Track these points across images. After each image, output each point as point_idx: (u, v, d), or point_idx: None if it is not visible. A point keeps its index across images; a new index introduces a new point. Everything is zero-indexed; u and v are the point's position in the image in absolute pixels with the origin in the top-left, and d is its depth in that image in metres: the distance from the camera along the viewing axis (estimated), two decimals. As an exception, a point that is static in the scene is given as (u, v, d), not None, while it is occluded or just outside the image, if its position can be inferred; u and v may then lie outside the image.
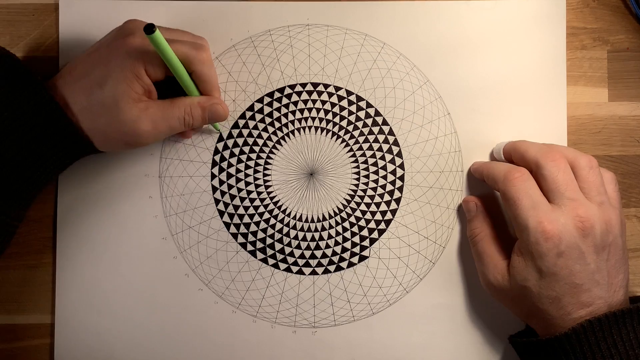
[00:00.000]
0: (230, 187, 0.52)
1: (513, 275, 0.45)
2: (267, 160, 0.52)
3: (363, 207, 0.52)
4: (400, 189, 0.52)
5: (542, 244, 0.43)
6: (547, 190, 0.45)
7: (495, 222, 0.50)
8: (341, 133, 0.52)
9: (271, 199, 0.52)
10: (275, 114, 0.52)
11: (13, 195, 0.44)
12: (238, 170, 0.52)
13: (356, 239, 0.52)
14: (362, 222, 0.52)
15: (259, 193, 0.52)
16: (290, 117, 0.52)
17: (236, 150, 0.52)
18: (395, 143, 0.52)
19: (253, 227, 0.52)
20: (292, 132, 0.52)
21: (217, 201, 0.52)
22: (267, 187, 0.52)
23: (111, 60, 0.44)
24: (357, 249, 0.52)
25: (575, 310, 0.43)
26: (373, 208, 0.52)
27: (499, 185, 0.46)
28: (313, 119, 0.52)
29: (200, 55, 0.46)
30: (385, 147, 0.52)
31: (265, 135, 0.52)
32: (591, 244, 0.43)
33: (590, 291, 0.43)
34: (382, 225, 0.52)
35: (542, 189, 0.45)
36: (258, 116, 0.52)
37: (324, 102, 0.52)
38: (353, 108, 0.52)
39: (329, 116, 0.52)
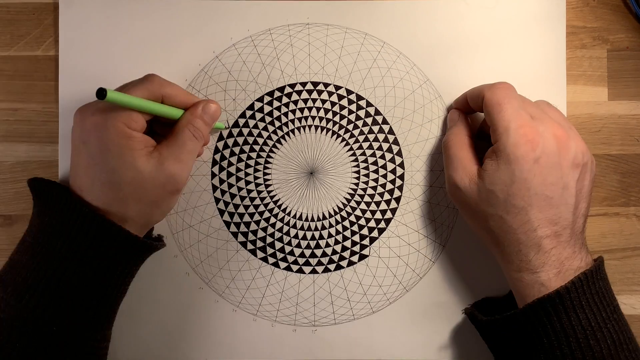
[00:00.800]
0: (230, 186, 0.52)
1: (483, 179, 0.44)
2: (267, 159, 0.52)
3: (363, 206, 0.52)
4: (400, 188, 0.52)
5: (521, 146, 0.42)
6: (525, 106, 0.45)
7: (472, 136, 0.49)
8: (341, 132, 0.52)
9: (271, 197, 0.52)
10: (276, 113, 0.52)
11: (94, 319, 0.44)
12: (238, 169, 0.52)
13: (356, 238, 0.52)
14: (362, 221, 0.52)
15: (259, 192, 0.52)
16: (291, 116, 0.52)
17: (236, 149, 0.52)
18: (395, 142, 0.52)
19: (253, 226, 0.52)
20: (292, 131, 0.52)
21: (217, 200, 0.52)
22: (267, 186, 0.52)
23: (99, 147, 0.43)
24: (357, 248, 0.52)
25: (541, 226, 0.42)
26: (373, 207, 0.52)
27: (485, 92, 0.46)
28: (313, 118, 0.52)
29: (156, 82, 0.45)
30: (385, 146, 0.52)
31: (265, 134, 0.52)
32: (566, 157, 0.43)
33: (558, 208, 0.43)
34: (382, 224, 0.52)
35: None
36: (258, 115, 0.52)
37: (324, 101, 0.52)
38: (353, 107, 0.52)
39: (329, 115, 0.52)
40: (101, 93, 0.40)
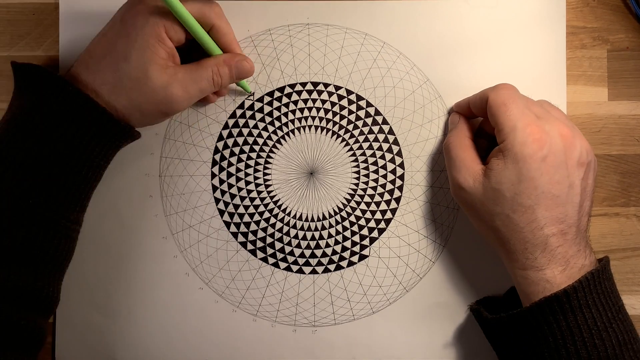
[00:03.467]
0: (230, 186, 0.52)
1: (489, 178, 0.44)
2: (267, 159, 0.52)
3: (363, 206, 0.52)
4: (400, 188, 0.52)
5: (528, 145, 0.42)
6: (530, 105, 0.45)
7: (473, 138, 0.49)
8: (341, 132, 0.52)
9: (271, 198, 0.52)
10: (276, 113, 0.52)
11: (68, 199, 0.43)
12: (238, 170, 0.52)
13: (356, 238, 0.52)
14: (362, 221, 0.52)
15: (259, 192, 0.52)
16: (290, 116, 0.52)
17: (236, 150, 0.52)
18: (395, 142, 0.52)
19: (253, 226, 0.52)
20: (292, 131, 0.52)
21: (217, 200, 0.52)
22: (267, 186, 0.52)
23: (130, 32, 0.43)
24: (357, 248, 0.52)
25: (547, 224, 0.43)
26: (373, 207, 0.52)
27: (489, 94, 0.46)
28: (313, 118, 0.52)
29: (215, 9, 0.45)
30: (385, 146, 0.52)
31: (265, 134, 0.52)
32: (572, 156, 0.43)
33: (565, 207, 0.43)
34: (382, 225, 0.52)
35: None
36: (258, 115, 0.52)
37: (324, 102, 0.52)
38: (353, 107, 0.52)
39: (329, 115, 0.52)
40: None
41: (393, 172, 0.52)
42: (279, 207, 0.52)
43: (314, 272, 0.52)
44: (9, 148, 0.42)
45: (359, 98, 0.52)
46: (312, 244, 0.52)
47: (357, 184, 0.52)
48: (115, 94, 0.44)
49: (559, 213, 0.43)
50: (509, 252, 0.45)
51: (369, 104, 0.52)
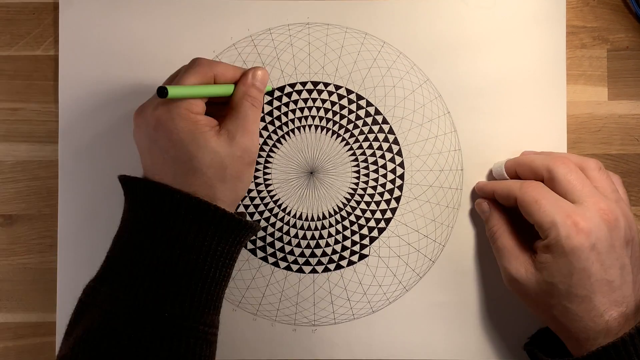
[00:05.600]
0: (230, 185, 0.52)
1: (540, 272, 0.44)
2: (267, 159, 0.52)
3: (363, 205, 0.52)
4: (400, 188, 0.52)
5: (574, 237, 0.42)
6: (563, 193, 0.44)
7: (512, 220, 0.49)
8: (341, 132, 0.52)
9: (271, 197, 0.52)
10: (276, 113, 0.52)
11: (201, 302, 0.43)
12: (238, 169, 0.52)
13: (356, 238, 0.52)
14: (362, 221, 0.52)
15: (259, 191, 0.52)
16: (291, 115, 0.52)
17: (236, 149, 0.52)
18: (395, 142, 0.52)
19: (253, 226, 0.52)
20: (292, 130, 0.52)
21: (217, 200, 0.52)
22: (267, 185, 0.52)
23: (173, 141, 0.43)
24: (357, 248, 0.52)
25: (607, 310, 0.42)
26: (373, 206, 0.52)
27: (516, 193, 0.45)
28: (313, 117, 0.52)
29: (203, 64, 0.45)
30: (385, 145, 0.52)
31: (265, 133, 0.52)
32: (618, 237, 0.43)
33: (620, 289, 0.42)
34: (382, 224, 0.52)
35: (558, 193, 0.45)
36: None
37: (324, 101, 0.52)
38: (353, 107, 0.52)
39: (329, 115, 0.52)
40: (162, 92, 0.40)
41: (393, 171, 0.52)
42: (279, 206, 0.52)
43: (313, 271, 0.52)
44: (132, 262, 0.42)
45: (359, 97, 0.52)
46: (312, 243, 0.52)
47: (357, 184, 0.52)
48: (211, 189, 0.43)
49: (616, 297, 0.42)
50: (571, 340, 0.44)
51: (369, 104, 0.52)
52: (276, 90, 0.52)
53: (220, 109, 0.46)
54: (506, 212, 0.49)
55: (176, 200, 0.42)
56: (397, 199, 0.52)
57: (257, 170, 0.52)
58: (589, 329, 0.42)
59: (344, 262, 0.52)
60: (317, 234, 0.52)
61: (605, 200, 0.43)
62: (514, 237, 0.47)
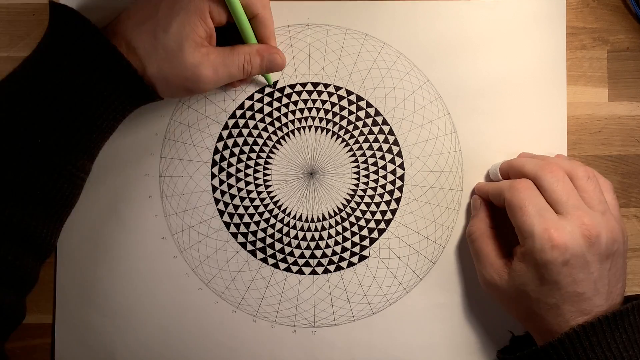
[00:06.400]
0: (230, 186, 0.52)
1: (513, 278, 0.45)
2: (267, 160, 0.52)
3: (363, 206, 0.52)
4: (400, 189, 0.52)
5: (547, 252, 0.42)
6: (549, 202, 0.44)
7: (495, 224, 0.49)
8: (341, 133, 0.52)
9: (271, 198, 0.52)
10: (275, 114, 0.52)
11: (77, 143, 0.43)
12: (238, 170, 0.52)
13: (356, 239, 0.52)
14: (362, 222, 0.52)
15: (259, 193, 0.52)
16: (290, 116, 0.52)
17: (236, 150, 0.52)
18: (395, 143, 0.52)
19: (253, 227, 0.52)
20: (292, 131, 0.52)
21: (217, 201, 0.52)
22: (267, 186, 0.52)
23: (175, 3, 0.44)
24: (357, 249, 0.52)
25: (573, 317, 0.43)
26: (373, 208, 0.52)
27: (505, 194, 0.46)
28: (313, 118, 0.52)
29: (262, 0, 0.46)
30: (385, 146, 0.52)
31: (265, 135, 0.52)
32: (596, 252, 0.43)
33: (591, 300, 0.43)
34: (382, 225, 0.52)
35: (545, 200, 0.45)
36: (258, 116, 0.52)
37: (324, 102, 0.52)
38: (353, 108, 0.52)
39: (329, 116, 0.52)
40: None
41: (393, 172, 0.52)
42: (279, 207, 0.52)
43: (313, 272, 0.52)
44: (28, 84, 0.42)
45: (359, 98, 0.52)
46: (312, 244, 0.52)
47: (357, 185, 0.52)
48: (147, 60, 0.44)
49: (585, 307, 0.43)
50: (537, 336, 0.45)
51: (369, 105, 0.52)
52: (276, 91, 0.52)
53: (232, 36, 0.47)
54: (491, 217, 0.49)
55: (98, 41, 0.42)
56: (397, 200, 0.52)
57: (257, 171, 0.52)
58: (554, 332, 0.43)
59: (344, 264, 0.52)
60: (317, 235, 0.52)
61: (590, 214, 0.43)
62: (491, 242, 0.48)
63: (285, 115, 0.52)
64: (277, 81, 0.52)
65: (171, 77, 0.44)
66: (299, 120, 0.52)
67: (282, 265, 0.52)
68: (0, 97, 0.42)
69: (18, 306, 0.43)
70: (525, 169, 0.47)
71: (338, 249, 0.52)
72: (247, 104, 0.52)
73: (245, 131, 0.52)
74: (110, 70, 0.43)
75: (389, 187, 0.52)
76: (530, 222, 0.43)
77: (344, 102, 0.52)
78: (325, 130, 0.52)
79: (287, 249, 0.52)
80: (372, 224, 0.52)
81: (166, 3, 0.44)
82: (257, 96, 0.52)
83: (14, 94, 0.42)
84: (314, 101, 0.52)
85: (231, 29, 0.47)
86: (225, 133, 0.52)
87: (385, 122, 0.52)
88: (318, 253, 0.52)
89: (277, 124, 0.52)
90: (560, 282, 0.42)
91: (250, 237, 0.52)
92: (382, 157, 0.52)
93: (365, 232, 0.52)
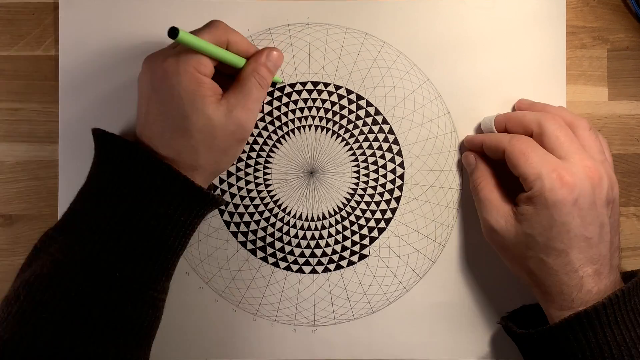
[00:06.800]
0: (230, 185, 0.52)
1: (520, 222, 0.44)
2: (267, 159, 0.52)
3: (363, 205, 0.52)
4: (400, 188, 0.52)
5: (557, 191, 0.42)
6: (551, 149, 0.44)
7: (496, 174, 0.49)
8: (341, 132, 0.52)
9: (271, 197, 0.52)
10: (275, 113, 0.52)
11: (154, 268, 0.43)
12: (238, 169, 0.52)
13: (356, 238, 0.52)
14: (362, 221, 0.52)
15: (259, 192, 0.52)
16: (290, 115, 0.52)
17: (236, 149, 0.52)
18: (395, 142, 0.52)
19: (253, 226, 0.52)
20: (292, 130, 0.52)
21: (217, 200, 0.52)
22: (267, 185, 0.52)
23: (172, 94, 0.43)
24: (357, 248, 0.52)
25: (582, 266, 0.42)
26: (373, 207, 0.52)
27: (505, 145, 0.45)
28: (313, 117, 0.52)
29: (221, 27, 0.45)
30: (385, 145, 0.52)
31: (265, 134, 0.52)
32: (600, 195, 0.43)
33: (598, 247, 0.43)
34: (382, 224, 0.52)
35: (546, 148, 0.45)
36: (258, 115, 0.52)
37: (324, 101, 0.52)
38: (353, 107, 0.52)
39: (329, 115, 0.52)
40: (173, 32, 0.40)
41: (393, 171, 0.52)
42: (279, 206, 0.52)
43: (313, 271, 0.52)
44: (94, 218, 0.42)
45: (359, 98, 0.52)
46: (312, 243, 0.52)
47: (357, 184, 0.52)
48: (195, 154, 0.43)
49: (592, 254, 0.43)
50: (545, 294, 0.44)
51: (369, 104, 0.52)
52: (276, 91, 0.52)
53: (227, 82, 0.46)
54: (491, 166, 0.49)
55: (149, 163, 0.42)
56: (397, 199, 0.52)
57: (257, 170, 0.52)
58: (563, 283, 0.43)
59: (344, 262, 0.52)
60: (317, 234, 0.52)
61: (591, 159, 0.44)
62: (497, 190, 0.47)
63: (285, 114, 0.52)
64: (284, 85, 0.52)
65: (223, 146, 0.44)
66: (299, 119, 0.52)
67: (282, 264, 0.52)
68: (70, 231, 0.43)
69: None
70: (526, 119, 0.46)
71: (338, 247, 0.52)
72: (247, 103, 0.52)
73: (245, 130, 0.52)
74: (170, 190, 0.43)
75: (389, 186, 0.52)
76: (537, 165, 0.43)
77: (344, 101, 0.52)
78: (325, 129, 0.52)
79: (287, 248, 0.52)
80: (372, 223, 0.52)
81: (164, 101, 0.43)
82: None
83: (83, 229, 0.42)
84: (314, 100, 0.52)
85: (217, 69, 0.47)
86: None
87: (385, 121, 0.52)
88: (318, 252, 0.52)
89: (277, 123, 0.52)
90: (569, 223, 0.42)
91: (251, 236, 0.52)
92: (382, 156, 0.52)
93: (365, 231, 0.52)
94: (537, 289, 0.45)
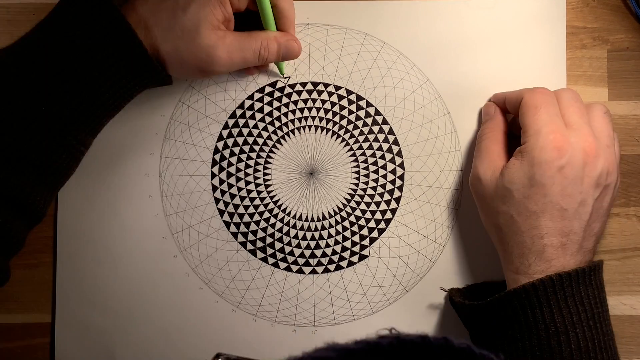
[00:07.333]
0: (230, 186, 0.52)
1: (503, 175, 0.44)
2: (267, 159, 0.52)
3: (363, 206, 0.52)
4: (400, 188, 0.52)
5: (547, 151, 0.42)
6: (562, 114, 0.45)
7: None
8: (341, 132, 0.52)
9: (271, 198, 0.52)
10: (275, 113, 0.52)
11: (81, 116, 0.43)
12: (238, 170, 0.52)
13: (356, 238, 0.52)
14: (362, 221, 0.52)
15: (259, 192, 0.52)
16: (290, 116, 0.52)
17: (236, 150, 0.52)
18: (395, 142, 0.52)
19: (253, 226, 0.52)
20: (292, 131, 0.52)
21: (217, 200, 0.52)
22: (267, 186, 0.52)
23: None
24: (357, 248, 0.52)
25: (548, 234, 0.42)
26: (373, 207, 0.52)
27: (524, 94, 0.45)
28: (313, 118, 0.52)
29: None
30: (385, 146, 0.52)
31: (265, 134, 0.52)
32: (590, 173, 0.43)
33: (571, 221, 0.42)
34: (382, 225, 0.52)
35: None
36: (258, 115, 0.52)
37: (324, 102, 0.52)
38: (353, 107, 0.52)
39: (329, 115, 0.52)
40: None
41: (393, 172, 0.52)
42: (279, 207, 0.52)
43: (313, 272, 0.52)
44: (37, 51, 0.42)
45: (359, 98, 0.52)
46: (312, 244, 0.52)
47: (357, 184, 0.52)
48: (163, 38, 0.44)
49: (563, 226, 0.42)
50: (506, 253, 0.45)
51: (369, 104, 0.52)
52: (276, 91, 0.52)
53: (247, 24, 0.47)
54: (505, 126, 0.49)
55: (113, 17, 0.42)
56: (397, 200, 0.52)
57: (257, 170, 0.52)
58: (525, 246, 0.43)
59: (344, 263, 0.52)
60: (317, 234, 0.52)
61: (595, 138, 0.44)
62: (500, 146, 0.47)
63: (285, 114, 0.52)
64: (290, 77, 0.52)
65: (185, 57, 0.44)
66: (299, 119, 0.52)
67: (282, 265, 0.52)
68: (8, 60, 0.43)
69: (3, 267, 0.43)
70: (545, 89, 0.46)
71: (338, 248, 0.52)
72: (247, 103, 0.52)
73: (245, 131, 0.52)
74: (121, 47, 0.43)
75: (389, 186, 0.52)
76: (540, 122, 0.43)
77: (344, 102, 0.52)
78: (325, 130, 0.52)
79: (287, 249, 0.52)
80: (372, 224, 0.52)
81: None
82: (257, 96, 0.52)
83: (23, 58, 0.42)
84: (314, 101, 0.52)
85: (251, 17, 0.47)
86: (225, 132, 0.52)
87: (385, 122, 0.52)
88: (318, 252, 0.52)
89: (277, 124, 0.52)
90: (548, 187, 0.42)
91: (250, 237, 0.52)
92: (382, 157, 0.52)
93: (365, 232, 0.52)
94: (501, 247, 0.45)
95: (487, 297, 0.45)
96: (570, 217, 0.42)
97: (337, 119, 0.52)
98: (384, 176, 0.52)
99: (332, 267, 0.52)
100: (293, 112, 0.52)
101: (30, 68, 0.42)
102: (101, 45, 0.42)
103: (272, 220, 0.52)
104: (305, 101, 0.52)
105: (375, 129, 0.52)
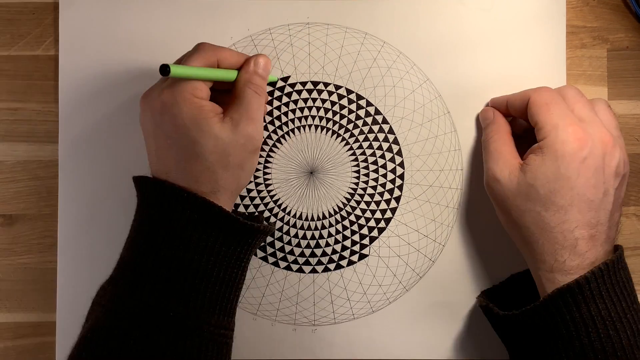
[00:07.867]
0: (230, 185, 0.52)
1: (524, 173, 0.44)
2: (267, 158, 0.52)
3: (363, 205, 0.52)
4: (400, 188, 0.52)
5: (569, 144, 0.42)
6: (571, 109, 0.45)
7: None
8: (341, 131, 0.52)
9: (271, 197, 0.52)
10: (275, 113, 0.52)
11: (206, 303, 0.43)
12: (238, 169, 0.52)
13: (356, 237, 0.52)
14: (362, 221, 0.52)
15: (259, 191, 0.52)
16: (290, 115, 0.52)
17: (236, 149, 0.52)
18: (395, 141, 0.52)
19: (253, 226, 0.52)
20: (292, 130, 0.52)
21: (217, 200, 0.52)
22: (267, 185, 0.52)
23: (177, 127, 0.43)
24: (357, 247, 0.52)
25: (579, 227, 0.42)
26: (373, 206, 0.52)
27: (531, 94, 0.46)
28: (313, 117, 0.52)
29: (207, 48, 0.45)
30: (385, 145, 0.52)
31: (265, 133, 0.52)
32: (610, 163, 0.43)
33: (598, 212, 0.42)
34: (382, 224, 0.52)
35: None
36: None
37: (324, 101, 0.52)
38: (353, 107, 0.52)
39: (329, 115, 0.52)
40: (165, 69, 0.40)
41: (393, 171, 0.52)
42: (279, 206, 0.52)
43: (313, 271, 0.52)
44: (140, 262, 0.42)
45: (359, 97, 0.52)
46: (312, 243, 0.52)
47: (357, 183, 0.52)
48: (214, 176, 0.43)
49: (591, 217, 0.42)
50: (535, 253, 0.44)
51: (369, 104, 0.52)
52: (276, 90, 0.52)
53: (225, 97, 0.46)
54: (509, 126, 0.49)
55: (180, 199, 0.42)
56: (397, 199, 0.52)
57: (257, 170, 0.52)
58: (557, 242, 0.42)
59: (344, 262, 0.52)
60: (317, 233, 0.52)
61: (610, 134, 0.44)
62: (509, 145, 0.47)
63: (285, 114, 0.52)
64: (280, 78, 0.52)
65: (238, 161, 0.44)
66: (299, 119, 0.52)
67: (282, 264, 0.52)
68: (118, 280, 0.43)
69: None
70: (547, 88, 0.47)
71: (338, 247, 0.52)
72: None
73: (245, 130, 0.52)
74: (215, 226, 0.43)
75: (389, 185, 0.52)
76: (556, 117, 0.43)
77: (344, 101, 0.52)
78: (325, 129, 0.52)
79: (287, 248, 0.52)
80: (372, 223, 0.52)
81: (173, 136, 0.43)
82: (257, 95, 0.52)
83: (128, 275, 0.43)
84: (314, 100, 0.52)
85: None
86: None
87: (385, 121, 0.52)
88: (318, 251, 0.52)
89: (277, 123, 0.52)
90: (574, 179, 0.42)
91: (251, 236, 0.52)
92: (382, 156, 0.52)
93: (365, 231, 0.52)
94: (529, 247, 0.44)
95: (503, 303, 0.45)
96: (596, 207, 0.43)
97: (337, 118, 0.52)
98: (384, 175, 0.52)
99: (332, 266, 0.52)
100: (293, 111, 0.52)
101: (142, 280, 0.42)
102: (198, 232, 0.42)
103: (272, 219, 0.52)
104: (305, 100, 0.52)
105: (375, 128, 0.52)
